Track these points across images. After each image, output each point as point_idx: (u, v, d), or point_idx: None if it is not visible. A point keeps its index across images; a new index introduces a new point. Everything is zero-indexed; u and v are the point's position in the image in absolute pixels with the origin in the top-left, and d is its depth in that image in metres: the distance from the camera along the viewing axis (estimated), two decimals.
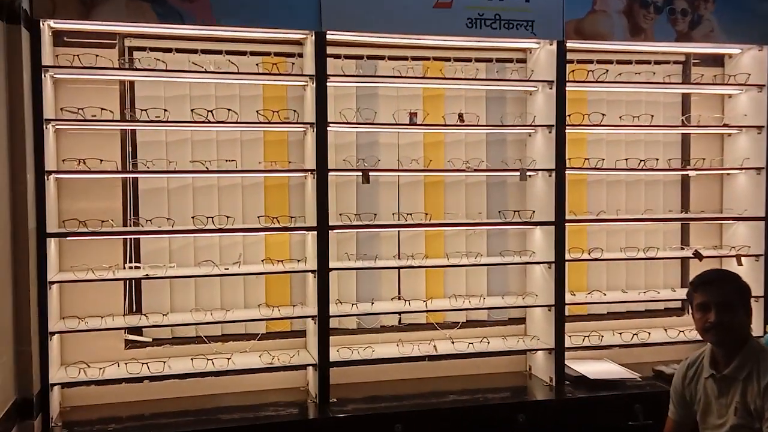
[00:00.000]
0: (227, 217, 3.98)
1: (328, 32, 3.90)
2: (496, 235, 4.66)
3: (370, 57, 4.41)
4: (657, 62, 4.83)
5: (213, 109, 3.94)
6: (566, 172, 4.32)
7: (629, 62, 4.76)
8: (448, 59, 4.52)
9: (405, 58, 4.45)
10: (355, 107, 4.36)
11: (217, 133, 4.19)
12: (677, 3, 4.40)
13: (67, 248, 3.92)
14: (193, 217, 3.98)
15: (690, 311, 2.94)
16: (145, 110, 3.86)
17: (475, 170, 4.37)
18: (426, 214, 4.33)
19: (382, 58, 4.43)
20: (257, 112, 4.05)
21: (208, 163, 4.00)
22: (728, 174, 4.87)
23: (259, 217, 4.07)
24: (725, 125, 4.71)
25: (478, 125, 4.40)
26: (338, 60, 4.31)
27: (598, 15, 4.30)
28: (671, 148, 4.92)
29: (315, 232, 3.97)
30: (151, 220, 3.93)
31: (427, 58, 4.49)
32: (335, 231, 4.09)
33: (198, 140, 4.18)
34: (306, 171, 4.06)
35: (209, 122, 3.93)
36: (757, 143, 4.62)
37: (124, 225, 4.03)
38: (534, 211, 4.41)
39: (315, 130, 3.93)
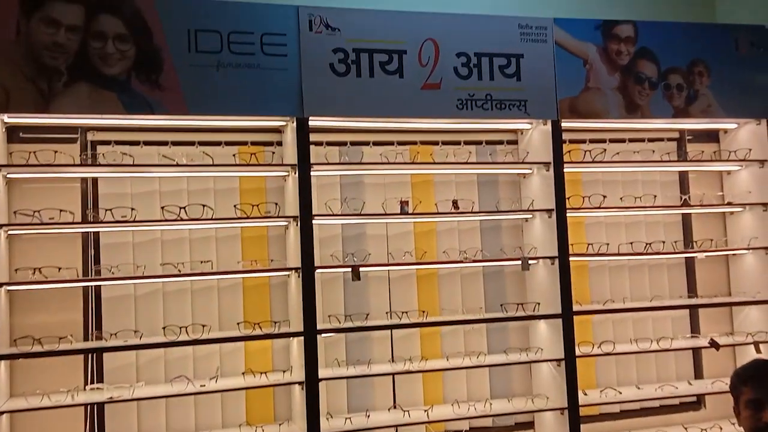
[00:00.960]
0: (202, 326, 3.54)
1: (310, 118, 3.61)
2: (496, 330, 4.29)
3: (354, 143, 4.12)
4: (651, 140, 4.63)
5: (185, 206, 3.55)
6: (570, 259, 4.01)
7: (623, 140, 4.55)
8: (436, 143, 4.25)
9: (391, 143, 4.17)
10: (341, 197, 4.03)
11: (190, 232, 3.81)
12: (672, 78, 4.23)
13: (20, 370, 3.43)
14: (164, 328, 3.52)
15: (735, 407, 2.56)
16: (110, 210, 3.47)
17: (473, 261, 4.03)
18: (423, 312, 3.94)
19: (366, 143, 4.14)
20: (234, 206, 3.69)
21: (180, 265, 3.60)
22: (734, 254, 4.61)
23: (238, 323, 3.63)
24: (729, 203, 4.47)
25: (474, 212, 4.09)
26: (320, 147, 4.01)
27: (592, 92, 4.10)
28: (672, 229, 4.66)
29: (302, 338, 3.55)
30: (115, 334, 3.48)
31: (414, 143, 4.21)
32: (323, 335, 3.66)
33: (169, 240, 3.78)
34: (290, 269, 3.68)
35: (181, 220, 3.55)
36: (763, 221, 4.39)
37: (85, 340, 3.57)
38: (539, 303, 4.05)
39: (299, 223, 3.57)
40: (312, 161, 3.67)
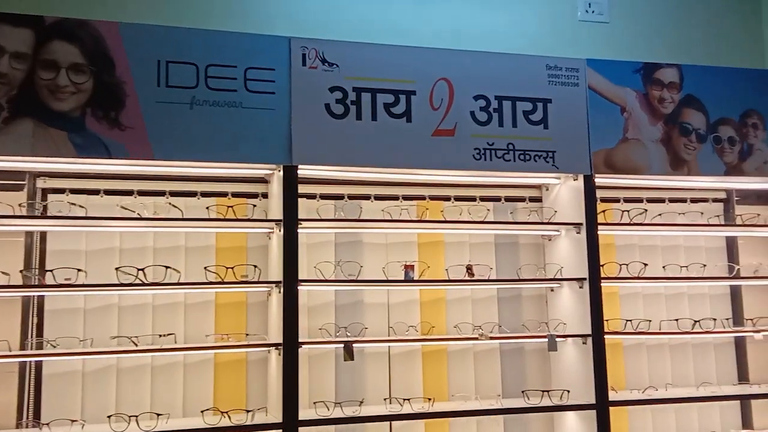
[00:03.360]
0: (158, 414, 2.90)
1: (299, 167, 3.05)
2: (516, 421, 3.62)
3: (352, 197, 3.55)
4: (694, 200, 4.03)
5: (145, 267, 2.96)
6: (605, 337, 3.38)
7: (662, 200, 3.95)
8: (448, 198, 3.68)
9: (396, 197, 3.61)
10: (335, 259, 3.44)
11: (154, 297, 3.22)
12: (722, 130, 3.66)
13: None
14: (109, 416, 2.88)
15: None
16: (52, 271, 2.88)
17: (490, 337, 3.40)
18: (428, 399, 3.29)
19: (367, 197, 3.57)
20: (205, 268, 3.10)
21: (136, 339, 2.99)
22: None
23: (202, 411, 2.99)
24: None
25: (491, 279, 3.48)
26: (313, 201, 3.45)
27: (631, 144, 3.53)
28: (720, 303, 4.03)
29: (280, 431, 2.91)
30: (49, 424, 2.84)
31: (422, 197, 3.65)
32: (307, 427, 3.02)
33: (128, 306, 3.20)
34: (269, 345, 3.06)
35: (143, 284, 2.96)
36: None
37: (17, 428, 2.94)
38: (568, 391, 3.40)
39: (281, 290, 2.98)
40: (301, 216, 3.10)
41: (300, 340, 3.01)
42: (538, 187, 3.80)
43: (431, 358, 3.59)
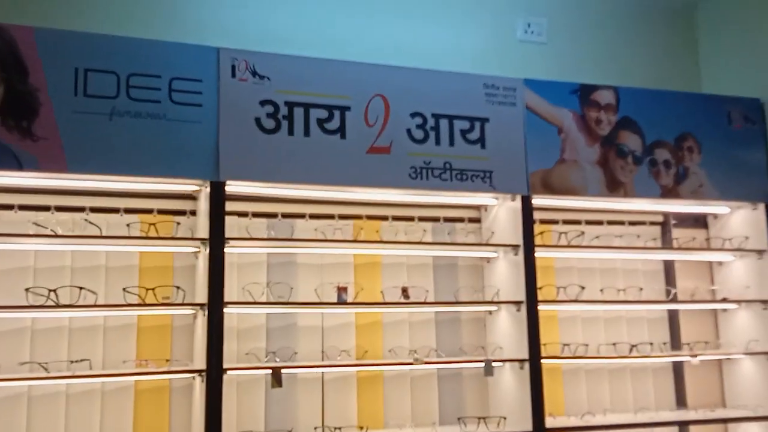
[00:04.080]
0: None
1: (228, 182, 2.92)
2: None
3: (286, 215, 3.42)
4: (632, 223, 4.03)
5: (57, 288, 2.77)
6: (542, 361, 3.31)
7: (600, 222, 3.94)
8: (385, 218, 3.59)
9: (331, 216, 3.50)
10: (266, 281, 3.30)
11: (71, 320, 3.02)
12: (658, 153, 3.67)
13: None
14: None
15: None
16: None
17: (425, 362, 3.28)
18: (362, 428, 3.15)
19: (302, 216, 3.45)
20: (124, 289, 2.92)
21: (46, 365, 2.78)
22: (729, 359, 3.96)
23: None
24: (725, 299, 3.85)
25: (427, 302, 3.39)
26: (245, 219, 3.31)
27: (568, 165, 3.50)
28: (657, 327, 4.01)
29: None
30: None
31: (359, 217, 3.54)
32: None
33: (41, 330, 2.98)
34: (192, 372, 2.89)
35: (57, 306, 2.77)
36: (763, 320, 3.76)
37: None
38: (505, 418, 3.31)
39: (206, 312, 2.82)
40: (231, 235, 2.96)
41: (226, 365, 2.86)
42: (477, 207, 3.74)
43: (366, 383, 3.47)
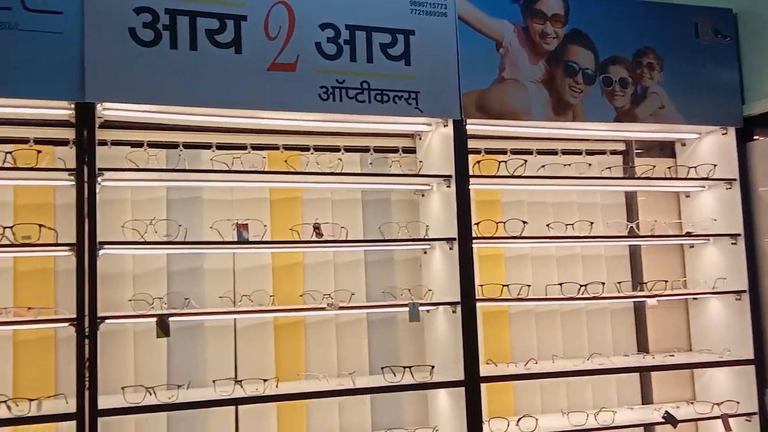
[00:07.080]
0: None
1: (104, 105, 2.53)
2: (386, 400, 3.19)
3: (189, 145, 3.04)
4: (590, 152, 3.62)
5: None
6: (477, 304, 2.96)
7: (554, 152, 3.54)
8: (306, 148, 3.20)
9: (243, 147, 3.11)
10: (166, 216, 2.95)
11: None
12: (613, 70, 3.25)
13: None
14: None
15: None
16: None
17: (341, 307, 2.92)
18: (277, 380, 2.81)
19: (208, 146, 3.07)
20: None
21: None
22: (695, 299, 3.60)
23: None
24: (689, 234, 3.47)
25: (343, 241, 3.02)
26: (139, 150, 2.93)
27: (507, 85, 3.08)
28: (617, 265, 3.67)
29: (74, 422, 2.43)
30: None
31: (275, 147, 3.15)
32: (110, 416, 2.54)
33: None
34: (62, 321, 2.54)
35: None
36: (732, 256, 3.40)
37: None
38: (433, 366, 2.98)
39: (80, 253, 2.47)
40: (116, 166, 2.59)
41: (104, 313, 2.53)
42: (411, 136, 3.35)
43: (285, 331, 3.14)
